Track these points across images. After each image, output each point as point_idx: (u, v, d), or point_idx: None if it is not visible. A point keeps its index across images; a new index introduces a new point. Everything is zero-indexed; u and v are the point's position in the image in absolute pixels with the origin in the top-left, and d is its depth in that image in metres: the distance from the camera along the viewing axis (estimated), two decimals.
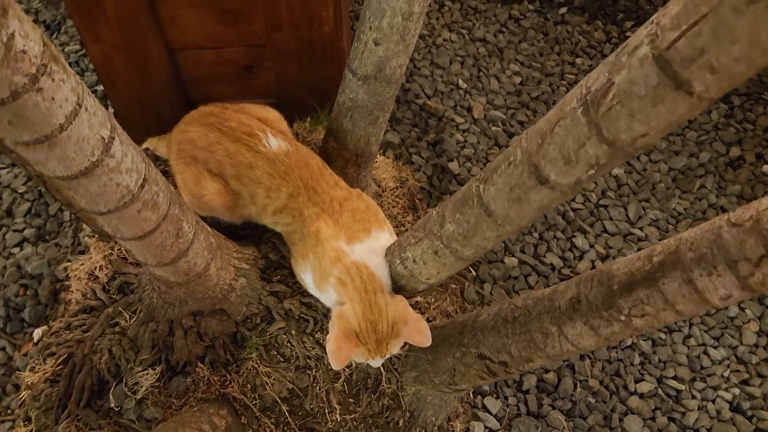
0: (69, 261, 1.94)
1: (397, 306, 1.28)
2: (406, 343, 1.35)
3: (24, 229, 2.14)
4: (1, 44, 0.69)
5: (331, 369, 1.50)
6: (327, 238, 1.33)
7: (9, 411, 1.79)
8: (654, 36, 0.72)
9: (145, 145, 1.86)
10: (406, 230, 1.83)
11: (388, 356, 1.31)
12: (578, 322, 1.09)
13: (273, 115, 1.60)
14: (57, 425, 1.44)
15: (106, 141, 0.90)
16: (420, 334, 1.25)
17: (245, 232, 1.61)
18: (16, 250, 2.10)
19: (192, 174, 1.45)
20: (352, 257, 1.31)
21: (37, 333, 1.89)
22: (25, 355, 1.87)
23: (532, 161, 0.93)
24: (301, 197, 1.35)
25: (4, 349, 1.91)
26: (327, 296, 1.35)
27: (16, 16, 0.71)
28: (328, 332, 1.46)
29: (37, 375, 1.49)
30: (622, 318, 1.03)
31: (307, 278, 1.39)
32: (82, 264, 1.64)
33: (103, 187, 0.94)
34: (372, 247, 1.35)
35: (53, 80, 0.78)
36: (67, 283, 1.82)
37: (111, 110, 2.39)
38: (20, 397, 1.53)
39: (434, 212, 1.20)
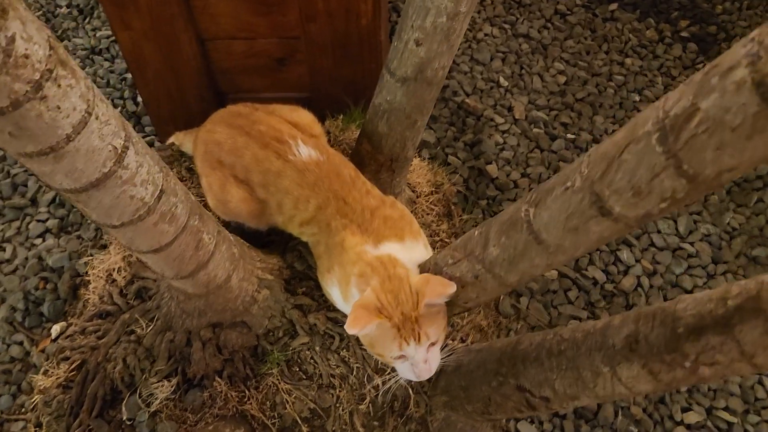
0: (90, 256, 1.88)
1: (421, 276, 1.17)
2: (447, 345, 1.23)
3: (47, 219, 2.08)
4: None
5: (356, 389, 1.41)
6: (352, 245, 1.24)
7: (23, 410, 1.74)
8: (755, 57, 0.60)
9: (171, 140, 1.78)
10: (440, 240, 1.72)
11: (426, 341, 1.14)
12: (635, 364, 0.98)
13: (305, 117, 1.50)
14: None
15: (119, 151, 0.82)
16: (442, 285, 1.11)
17: (270, 239, 1.52)
18: (38, 241, 2.05)
19: (218, 178, 1.36)
20: (376, 253, 1.21)
21: (55, 329, 1.83)
22: (42, 351, 1.82)
23: (594, 189, 0.82)
24: (330, 209, 1.26)
25: (21, 343, 1.85)
26: (352, 303, 1.23)
27: (18, 17, 0.62)
28: (354, 351, 1.37)
29: (50, 379, 1.43)
30: (688, 365, 0.91)
31: (334, 293, 1.30)
32: (102, 262, 1.58)
33: (115, 199, 0.86)
34: (402, 251, 1.25)
35: (59, 86, 0.70)
36: (87, 278, 1.76)
37: (139, 100, 2.33)
38: (32, 400, 1.47)
39: (476, 232, 1.10)
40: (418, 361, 1.15)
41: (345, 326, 1.08)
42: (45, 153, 0.74)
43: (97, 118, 0.76)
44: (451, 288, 1.10)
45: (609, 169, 0.79)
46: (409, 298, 1.13)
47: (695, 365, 0.91)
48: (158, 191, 0.92)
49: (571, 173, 0.87)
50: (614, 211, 0.81)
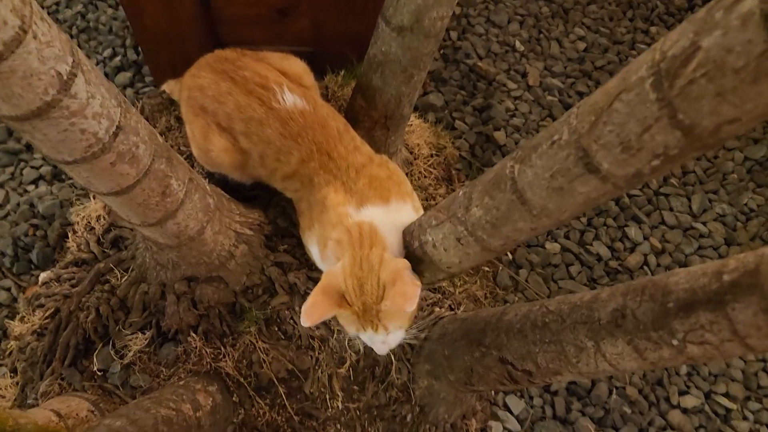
0: (81, 204, 1.84)
1: (393, 267, 1.08)
2: (418, 329, 1.18)
3: (41, 166, 2.05)
4: None
5: (336, 352, 1.35)
6: (334, 204, 1.17)
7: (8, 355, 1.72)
8: None
9: (163, 88, 1.72)
10: (437, 204, 1.65)
11: (388, 338, 1.11)
12: (620, 340, 0.91)
13: (297, 66, 1.42)
14: (41, 381, 1.35)
15: (65, 78, 0.75)
16: (403, 297, 1.02)
17: (254, 193, 1.45)
18: (31, 187, 2.01)
19: (200, 126, 1.30)
20: (357, 218, 1.14)
21: (43, 276, 1.80)
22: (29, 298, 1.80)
23: (581, 144, 0.74)
24: (313, 163, 1.19)
25: (9, 289, 1.83)
26: (328, 265, 1.17)
27: None
28: None
29: (25, 326, 1.40)
30: (675, 343, 0.84)
31: (313, 251, 1.24)
32: (85, 209, 1.53)
33: (63, 132, 0.80)
34: (386, 213, 1.18)
35: None
36: (74, 227, 1.72)
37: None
38: (9, 346, 1.44)
39: (461, 192, 1.02)
40: (375, 342, 1.12)
41: (301, 315, 1.02)
42: None
43: (35, 38, 0.69)
44: (411, 304, 1.01)
45: (597, 121, 0.71)
46: (374, 290, 1.07)
47: (683, 344, 0.84)
48: (114, 127, 0.86)
49: (559, 126, 0.79)
50: (602, 168, 0.73)
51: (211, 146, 1.29)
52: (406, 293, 1.02)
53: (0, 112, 0.75)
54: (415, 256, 1.15)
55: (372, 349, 1.16)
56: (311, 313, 1.02)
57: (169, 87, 1.66)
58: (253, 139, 1.24)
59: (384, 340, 1.12)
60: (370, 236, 1.10)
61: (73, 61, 0.76)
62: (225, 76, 1.28)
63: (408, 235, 1.16)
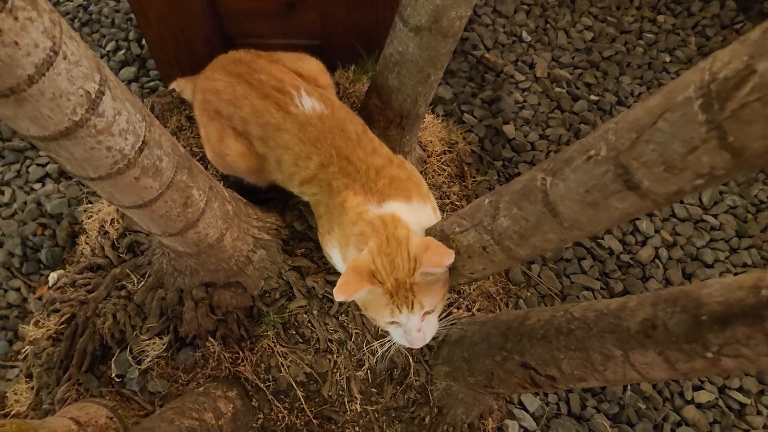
0: (90, 203, 1.82)
1: (421, 239, 1.07)
2: (451, 314, 1.14)
3: (47, 164, 2.02)
4: None
5: (354, 355, 1.35)
6: (353, 206, 1.15)
7: (19, 356, 1.71)
8: None
9: (172, 86, 1.70)
10: (451, 203, 1.64)
11: (420, 310, 1.06)
12: (651, 350, 0.91)
13: (312, 67, 1.40)
14: (58, 386, 1.34)
15: (93, 97, 0.73)
16: (440, 254, 1.02)
17: (270, 195, 1.44)
18: (37, 185, 1.99)
19: (215, 130, 1.28)
20: (379, 212, 1.12)
21: (53, 276, 1.79)
22: (39, 298, 1.78)
23: (621, 161, 0.73)
24: (332, 168, 1.17)
25: (18, 290, 1.82)
26: None
27: None
28: (353, 316, 1.31)
29: (40, 330, 1.39)
30: (709, 355, 0.84)
31: (334, 255, 1.23)
32: (99, 211, 1.51)
33: (90, 151, 0.78)
34: (408, 211, 1.16)
35: (16, 19, 0.61)
36: (84, 227, 1.70)
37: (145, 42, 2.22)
38: (24, 350, 1.43)
39: (486, 200, 1.01)
40: (411, 329, 1.07)
41: (334, 291, 1.00)
42: (5, 95, 0.66)
43: (65, 58, 0.68)
44: (449, 259, 1.01)
45: (639, 139, 0.70)
46: (406, 263, 1.04)
47: (717, 357, 0.83)
48: (140, 143, 0.84)
49: (596, 141, 0.78)
50: (642, 186, 0.72)
51: (227, 150, 1.27)
52: (442, 251, 1.02)
53: (27, 133, 0.73)
54: None
55: (392, 354, 1.14)
56: (345, 289, 1.00)
57: (179, 86, 1.63)
58: (270, 144, 1.22)
59: (419, 326, 1.08)
60: (393, 222, 1.08)
61: (101, 78, 0.74)
62: (240, 80, 1.26)
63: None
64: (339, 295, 1.00)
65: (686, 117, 0.63)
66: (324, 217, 1.22)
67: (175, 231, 1.04)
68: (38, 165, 2.03)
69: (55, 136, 0.73)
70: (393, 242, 1.06)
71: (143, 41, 2.25)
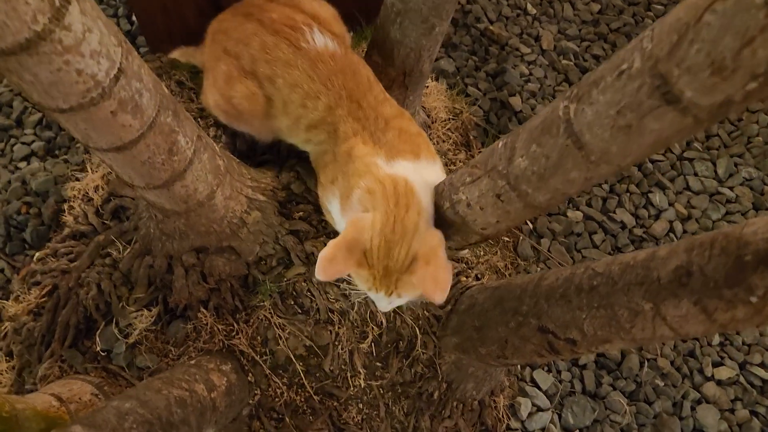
0: (77, 180, 1.73)
1: (429, 240, 0.99)
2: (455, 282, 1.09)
3: (33, 142, 1.93)
4: None
5: (357, 326, 1.26)
6: (361, 155, 1.07)
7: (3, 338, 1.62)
8: None
9: (173, 54, 1.61)
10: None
11: (396, 300, 1.03)
12: (685, 300, 0.82)
13: (327, 11, 1.33)
14: (40, 364, 1.25)
15: (57, 4, 0.64)
16: (435, 284, 0.94)
17: (265, 158, 1.35)
18: (22, 164, 1.90)
19: (223, 71, 1.22)
20: (389, 171, 1.04)
21: (38, 256, 1.70)
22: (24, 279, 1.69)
23: (659, 70, 0.64)
24: (341, 110, 1.10)
25: (2, 270, 1.72)
26: (351, 216, 1.06)
27: None
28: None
29: (20, 305, 1.30)
30: (753, 300, 0.75)
31: (333, 208, 1.14)
32: (80, 182, 1.43)
33: (57, 73, 0.69)
34: (421, 170, 1.08)
35: None
36: (71, 202, 1.61)
37: (135, 18, 2.14)
38: (3, 328, 1.34)
39: (500, 143, 0.92)
40: (381, 301, 1.04)
41: (316, 267, 0.93)
42: None
43: None
44: (441, 296, 0.94)
45: (681, 40, 0.61)
46: (402, 259, 0.98)
47: (763, 301, 0.74)
48: (115, 70, 0.75)
49: (628, 54, 0.69)
50: (683, 97, 0.63)
51: (234, 92, 1.20)
52: (439, 280, 0.95)
53: None
54: (444, 218, 1.05)
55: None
56: (328, 268, 0.93)
57: (184, 54, 1.56)
58: (278, 84, 1.15)
59: (391, 301, 1.04)
60: (407, 195, 1.00)
61: None
62: (251, 18, 1.21)
63: (437, 196, 1.06)
64: (321, 274, 0.93)
65: (740, 3, 0.55)
66: (329, 166, 1.14)
67: (161, 182, 0.95)
68: (23, 143, 1.94)
69: (13, 50, 0.64)
70: (399, 228, 0.98)
71: (133, 17, 2.17)
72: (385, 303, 1.05)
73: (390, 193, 1.00)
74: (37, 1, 0.62)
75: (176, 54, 1.63)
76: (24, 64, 0.67)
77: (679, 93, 0.63)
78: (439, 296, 0.94)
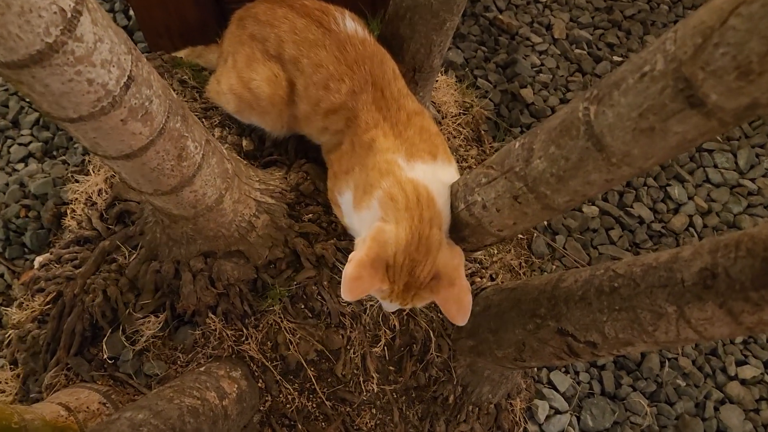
0: (76, 182, 1.71)
1: (451, 259, 0.98)
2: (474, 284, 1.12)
3: (30, 143, 1.91)
4: None
5: (370, 330, 1.24)
6: (383, 149, 1.05)
7: (4, 343, 1.61)
8: None
9: (180, 54, 1.59)
10: (469, 166, 1.52)
11: (408, 307, 1.04)
12: (710, 303, 0.79)
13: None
14: (45, 372, 1.23)
15: (69, 15, 0.62)
16: (458, 306, 0.97)
17: (272, 158, 1.32)
18: (20, 166, 1.87)
19: (245, 54, 1.22)
20: (410, 174, 1.02)
21: (39, 261, 1.66)
22: (24, 284, 1.68)
23: (683, 73, 0.61)
24: (365, 96, 1.09)
25: (2, 275, 1.71)
26: (366, 215, 1.04)
27: None
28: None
29: (24, 313, 1.28)
30: None
31: (345, 199, 1.12)
32: (82, 185, 1.40)
33: (68, 83, 0.67)
34: (437, 173, 1.06)
35: None
36: (73, 206, 1.59)
37: (132, 13, 2.11)
38: (7, 336, 1.33)
39: (517, 144, 0.89)
40: (391, 308, 1.06)
41: (342, 288, 0.91)
42: None
43: None
44: (461, 320, 0.97)
45: (706, 43, 0.58)
46: (424, 276, 0.97)
47: None
48: (126, 77, 0.73)
49: (650, 56, 0.66)
50: (708, 100, 0.60)
51: (254, 75, 1.19)
52: (462, 303, 0.97)
53: None
54: (459, 219, 1.02)
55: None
56: (354, 289, 0.92)
57: (192, 54, 1.55)
58: (303, 64, 1.14)
59: (402, 309, 1.06)
60: (429, 208, 0.98)
61: None
62: (282, 4, 1.21)
63: (451, 197, 1.03)
64: (347, 295, 0.92)
65: (767, 6, 0.52)
66: (345, 156, 1.12)
67: (169, 188, 0.93)
68: (20, 144, 1.91)
69: (25, 62, 0.62)
70: (423, 247, 0.96)
71: (130, 12, 2.14)
72: (393, 307, 1.05)
73: (413, 204, 0.98)
74: (50, 13, 0.60)
75: (183, 53, 1.61)
76: (36, 76, 0.65)
77: (704, 96, 0.60)
78: (461, 319, 0.97)
